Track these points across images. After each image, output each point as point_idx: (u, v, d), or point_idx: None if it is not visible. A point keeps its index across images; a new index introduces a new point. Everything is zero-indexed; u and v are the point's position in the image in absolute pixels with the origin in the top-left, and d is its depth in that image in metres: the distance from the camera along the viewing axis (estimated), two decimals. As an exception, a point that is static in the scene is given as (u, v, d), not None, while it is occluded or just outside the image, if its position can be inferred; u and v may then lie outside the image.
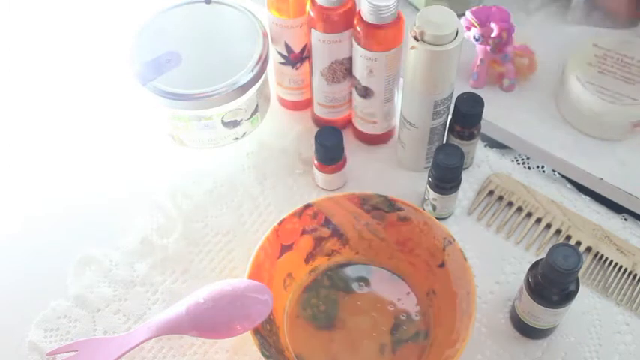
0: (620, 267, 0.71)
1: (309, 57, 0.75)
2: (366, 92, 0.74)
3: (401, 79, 0.73)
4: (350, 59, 0.73)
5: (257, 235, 0.71)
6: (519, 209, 0.75)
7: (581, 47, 0.83)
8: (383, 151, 0.80)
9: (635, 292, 0.69)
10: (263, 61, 0.74)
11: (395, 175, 0.78)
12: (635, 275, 0.70)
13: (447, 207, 0.73)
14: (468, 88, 0.81)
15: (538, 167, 0.79)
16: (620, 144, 0.79)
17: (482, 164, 0.79)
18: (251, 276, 0.64)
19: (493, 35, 0.80)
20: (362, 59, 0.70)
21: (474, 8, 0.81)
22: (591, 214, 0.75)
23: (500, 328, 0.67)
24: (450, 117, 0.74)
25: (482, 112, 0.72)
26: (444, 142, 0.76)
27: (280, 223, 0.67)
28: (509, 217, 0.75)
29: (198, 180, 0.77)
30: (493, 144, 0.81)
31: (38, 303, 0.69)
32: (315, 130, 0.75)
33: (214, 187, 0.77)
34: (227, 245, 0.73)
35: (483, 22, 0.80)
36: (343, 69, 0.74)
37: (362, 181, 0.78)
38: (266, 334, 0.63)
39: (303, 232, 0.69)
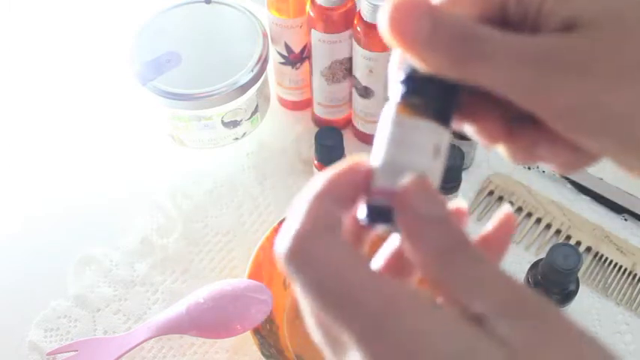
0: (620, 267, 0.71)
1: (309, 57, 0.75)
2: (366, 92, 0.74)
3: (401, 79, 0.73)
4: (350, 59, 0.73)
5: (257, 235, 0.71)
6: (519, 209, 0.75)
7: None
8: (383, 151, 0.80)
9: (635, 292, 0.69)
10: (263, 61, 0.74)
11: (395, 175, 0.78)
12: (635, 275, 0.70)
13: (447, 207, 0.73)
14: (468, 88, 0.81)
15: (538, 167, 0.79)
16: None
17: (482, 164, 0.79)
18: (251, 276, 0.64)
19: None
20: (362, 59, 0.70)
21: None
22: (591, 214, 0.75)
23: (500, 328, 0.67)
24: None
25: (482, 112, 0.72)
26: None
27: (280, 223, 0.67)
28: (509, 217, 0.75)
29: (198, 180, 0.77)
30: (493, 144, 0.81)
31: (38, 303, 0.69)
32: (315, 130, 0.75)
33: (214, 187, 0.77)
34: (227, 245, 0.73)
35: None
36: (343, 69, 0.74)
37: (362, 181, 0.77)
38: (266, 334, 0.63)
39: (303, 232, 0.69)
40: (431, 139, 0.27)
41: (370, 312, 0.23)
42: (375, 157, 0.28)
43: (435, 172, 0.28)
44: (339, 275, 0.23)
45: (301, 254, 0.24)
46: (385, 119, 0.28)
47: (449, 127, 0.28)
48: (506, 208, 0.28)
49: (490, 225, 0.28)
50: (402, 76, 0.28)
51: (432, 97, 0.28)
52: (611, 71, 0.25)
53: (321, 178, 0.27)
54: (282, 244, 0.24)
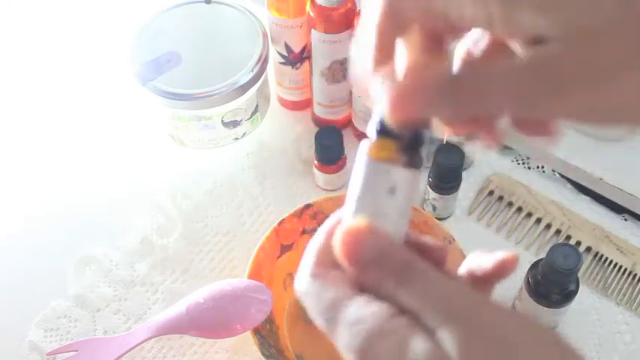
0: (620, 267, 0.71)
1: (309, 57, 0.75)
2: (366, 92, 0.74)
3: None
4: (350, 59, 0.73)
5: (257, 235, 0.71)
6: (519, 209, 0.75)
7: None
8: (383, 151, 0.80)
9: (635, 292, 0.69)
10: (263, 61, 0.74)
11: (395, 175, 0.78)
12: (635, 275, 0.70)
13: (447, 207, 0.73)
14: (468, 88, 0.81)
15: (538, 167, 0.79)
16: (620, 144, 0.79)
17: (482, 164, 0.79)
18: (251, 276, 0.64)
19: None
20: (362, 59, 0.70)
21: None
22: (591, 214, 0.75)
23: (500, 328, 0.67)
24: (450, 117, 0.74)
25: (482, 112, 0.72)
26: (444, 142, 0.76)
27: (280, 223, 0.67)
28: (509, 217, 0.75)
29: (198, 180, 0.77)
30: (493, 144, 0.81)
31: (38, 303, 0.69)
32: (315, 130, 0.75)
33: (214, 187, 0.77)
34: (227, 245, 0.73)
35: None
36: (343, 69, 0.74)
37: (362, 181, 0.77)
38: (266, 334, 0.63)
39: (304, 232, 0.69)
40: (396, 181, 0.30)
41: (345, 321, 0.30)
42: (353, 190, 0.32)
43: (400, 209, 0.31)
44: (328, 302, 0.32)
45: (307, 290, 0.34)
46: (360, 159, 0.31)
47: (419, 170, 0.31)
48: (514, 253, 0.31)
49: (492, 260, 0.31)
50: (375, 123, 0.31)
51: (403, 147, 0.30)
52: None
53: (327, 224, 0.34)
54: (299, 283, 0.34)
